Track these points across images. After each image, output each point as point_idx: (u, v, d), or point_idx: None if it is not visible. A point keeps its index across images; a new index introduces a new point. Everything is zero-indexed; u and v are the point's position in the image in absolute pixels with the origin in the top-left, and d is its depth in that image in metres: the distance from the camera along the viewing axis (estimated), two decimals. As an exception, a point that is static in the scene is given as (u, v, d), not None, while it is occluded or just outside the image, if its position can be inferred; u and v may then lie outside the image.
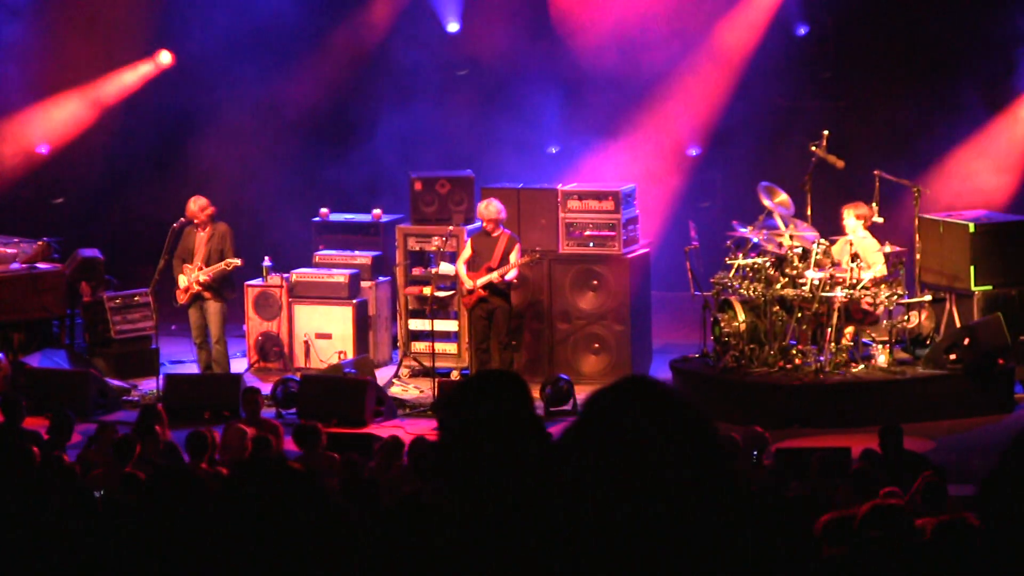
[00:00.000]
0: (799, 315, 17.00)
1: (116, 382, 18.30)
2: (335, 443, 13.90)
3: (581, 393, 16.92)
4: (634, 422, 3.37)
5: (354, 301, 19.08)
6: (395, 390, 18.29)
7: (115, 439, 12.71)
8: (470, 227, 18.49)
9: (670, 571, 3.32)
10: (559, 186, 18.67)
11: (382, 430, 15.82)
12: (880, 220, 17.54)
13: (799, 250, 17.06)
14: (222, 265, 18.15)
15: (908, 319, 17.52)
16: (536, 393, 17.37)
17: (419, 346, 18.99)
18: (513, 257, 17.77)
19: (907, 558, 7.57)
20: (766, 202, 17.44)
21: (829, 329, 16.80)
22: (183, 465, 12.61)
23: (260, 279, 19.31)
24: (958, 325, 17.67)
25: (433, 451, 11.38)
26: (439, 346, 18.63)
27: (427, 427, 16.62)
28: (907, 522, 8.38)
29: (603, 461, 3.35)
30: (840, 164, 17.82)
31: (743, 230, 17.36)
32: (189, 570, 4.80)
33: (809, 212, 17.69)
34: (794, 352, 16.99)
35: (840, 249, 17.24)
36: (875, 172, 17.88)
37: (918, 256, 18.03)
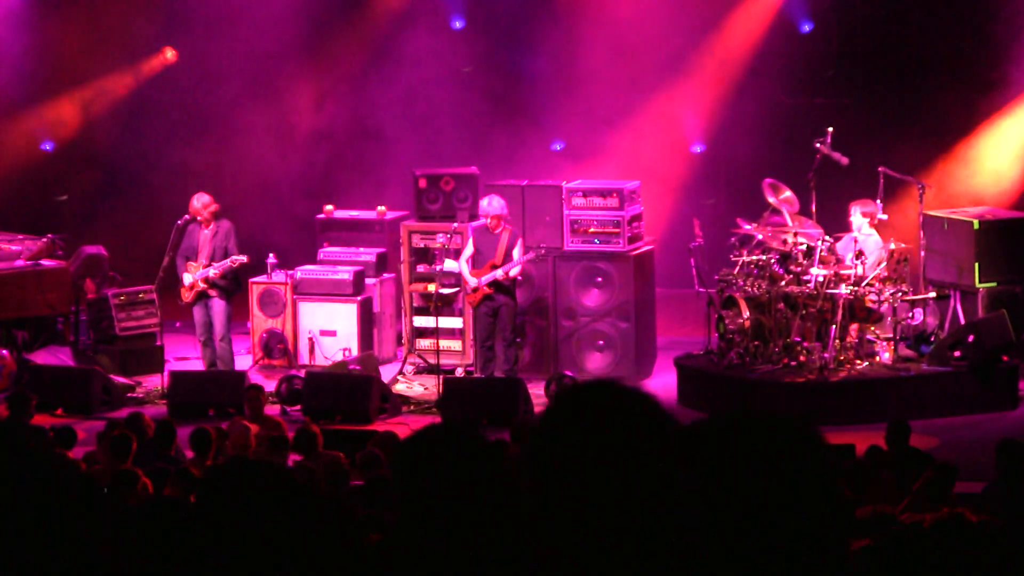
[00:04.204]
0: (803, 312, 17.00)
1: (120, 379, 18.31)
2: (338, 441, 13.92)
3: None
4: (595, 425, 3.38)
5: (358, 298, 19.08)
6: (400, 387, 18.30)
7: (112, 436, 12.72)
8: (474, 223, 18.49)
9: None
10: (564, 183, 18.67)
11: (387, 427, 15.82)
12: (884, 217, 17.55)
13: (803, 247, 17.06)
14: (228, 262, 18.15)
15: (912, 316, 17.53)
16: (541, 390, 17.40)
17: (424, 343, 18.99)
18: (516, 253, 17.77)
19: (902, 553, 7.57)
20: (770, 199, 17.45)
21: (833, 326, 16.80)
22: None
23: (264, 276, 19.31)
24: (962, 322, 17.67)
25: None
26: (444, 343, 18.63)
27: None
28: (843, 500, 8.36)
29: (569, 464, 3.36)
30: (844, 161, 17.82)
31: (747, 227, 17.37)
32: (186, 568, 4.80)
33: (814, 209, 17.70)
34: (798, 349, 16.99)
35: (844, 246, 17.24)
36: (879, 169, 17.88)
37: (922, 253, 18.03)
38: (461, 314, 18.87)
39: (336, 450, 13.06)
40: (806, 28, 21.96)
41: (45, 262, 19.32)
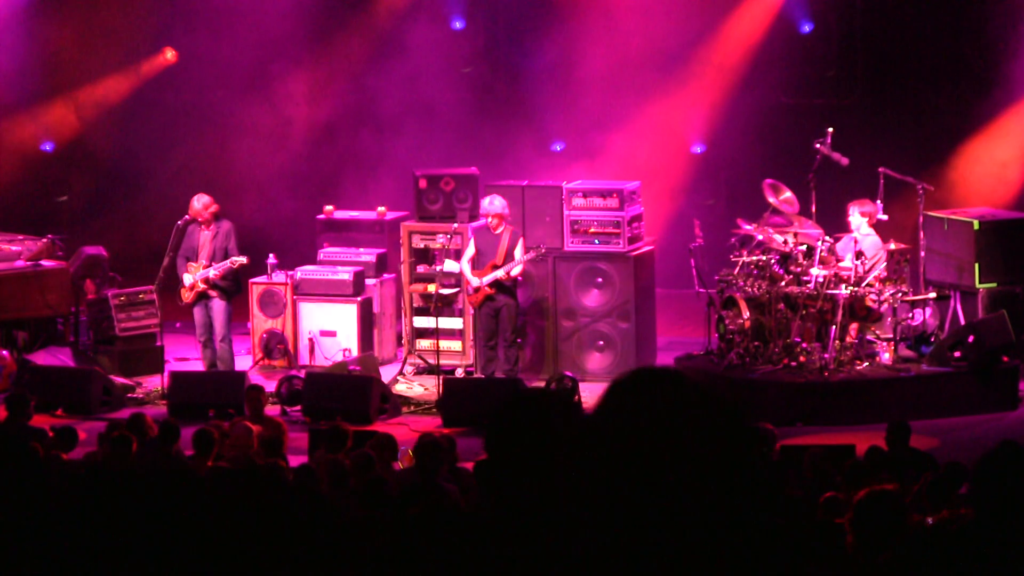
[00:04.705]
0: (803, 312, 17.00)
1: (120, 380, 18.31)
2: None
3: (586, 391, 16.92)
4: (654, 412, 3.36)
5: (358, 299, 19.08)
6: (400, 387, 18.29)
7: (111, 437, 12.71)
8: (474, 224, 18.49)
9: (687, 563, 3.32)
10: (564, 183, 18.67)
11: (387, 428, 15.82)
12: (884, 217, 17.55)
13: (803, 247, 17.06)
14: (228, 263, 18.15)
15: (912, 316, 17.53)
16: (540, 391, 17.40)
17: (424, 343, 18.99)
18: (518, 253, 17.77)
19: (904, 548, 7.57)
20: (770, 199, 17.45)
21: (833, 326, 16.80)
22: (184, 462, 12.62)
23: (264, 277, 19.31)
24: (962, 323, 17.67)
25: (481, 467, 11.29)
26: (444, 343, 18.63)
27: (432, 424, 16.64)
28: (902, 507, 8.38)
29: (621, 449, 3.34)
30: (844, 161, 17.82)
31: (748, 227, 17.37)
32: (184, 569, 4.80)
33: (813, 209, 17.70)
34: (798, 349, 16.98)
35: (844, 246, 17.24)
36: (880, 169, 17.88)
37: (922, 253, 18.03)
38: (461, 315, 18.88)
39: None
40: (806, 28, 21.97)
41: (45, 263, 19.31)
